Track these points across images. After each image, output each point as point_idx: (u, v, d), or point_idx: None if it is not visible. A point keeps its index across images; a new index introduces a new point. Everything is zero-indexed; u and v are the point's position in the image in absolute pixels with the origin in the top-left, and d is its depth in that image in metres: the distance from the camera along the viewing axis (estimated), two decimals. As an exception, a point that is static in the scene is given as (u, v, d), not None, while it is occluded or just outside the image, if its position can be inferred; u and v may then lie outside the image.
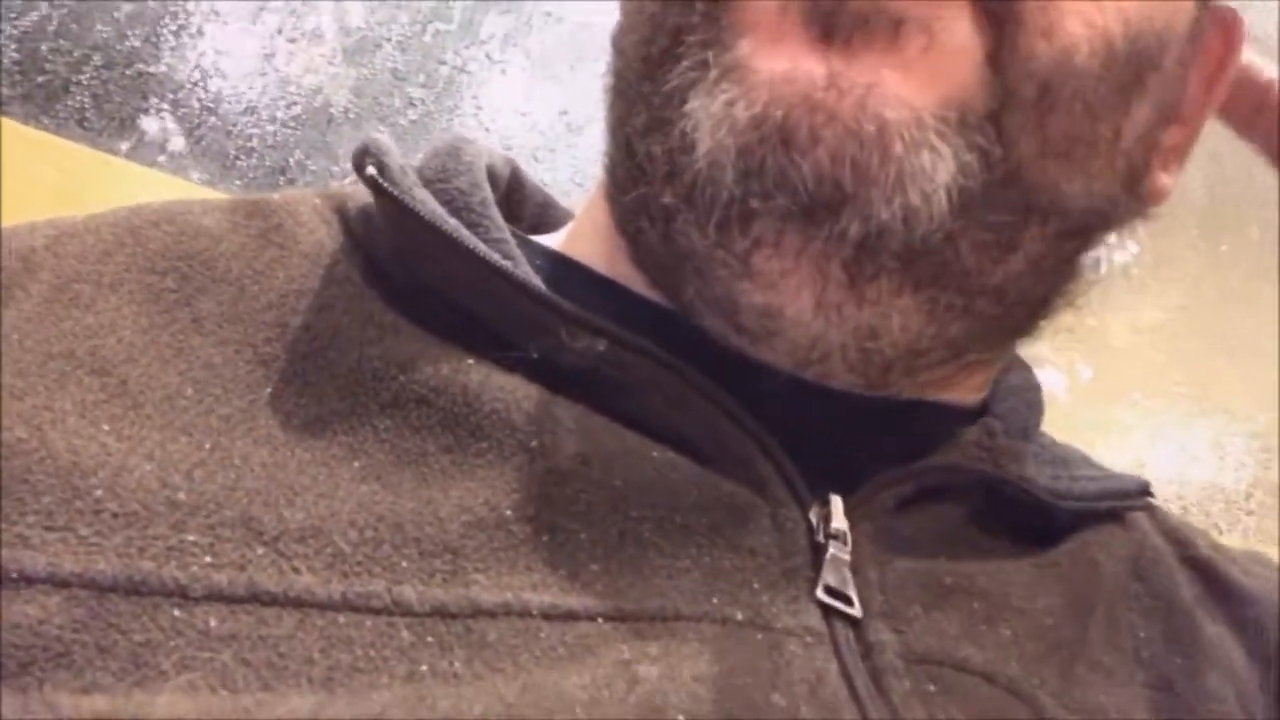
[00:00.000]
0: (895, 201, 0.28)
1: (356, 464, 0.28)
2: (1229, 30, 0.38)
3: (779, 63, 0.28)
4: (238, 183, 0.83)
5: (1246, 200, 1.11)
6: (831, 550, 0.30)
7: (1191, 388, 1.05)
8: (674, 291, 0.34)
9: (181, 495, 0.26)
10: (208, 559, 0.25)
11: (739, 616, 0.27)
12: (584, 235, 0.38)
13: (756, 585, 0.28)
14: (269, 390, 0.29)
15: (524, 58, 0.90)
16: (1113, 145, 0.32)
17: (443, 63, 0.88)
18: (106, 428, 0.27)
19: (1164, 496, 0.94)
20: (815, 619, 0.28)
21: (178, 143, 0.80)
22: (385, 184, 0.32)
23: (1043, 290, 0.34)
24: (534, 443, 0.29)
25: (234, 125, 0.82)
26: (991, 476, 0.33)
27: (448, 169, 0.36)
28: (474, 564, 0.27)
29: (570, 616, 0.26)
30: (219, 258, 0.33)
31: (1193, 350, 1.05)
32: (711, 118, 0.29)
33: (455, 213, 0.34)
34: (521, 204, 0.45)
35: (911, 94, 0.28)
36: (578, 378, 0.30)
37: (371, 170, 0.33)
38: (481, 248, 0.32)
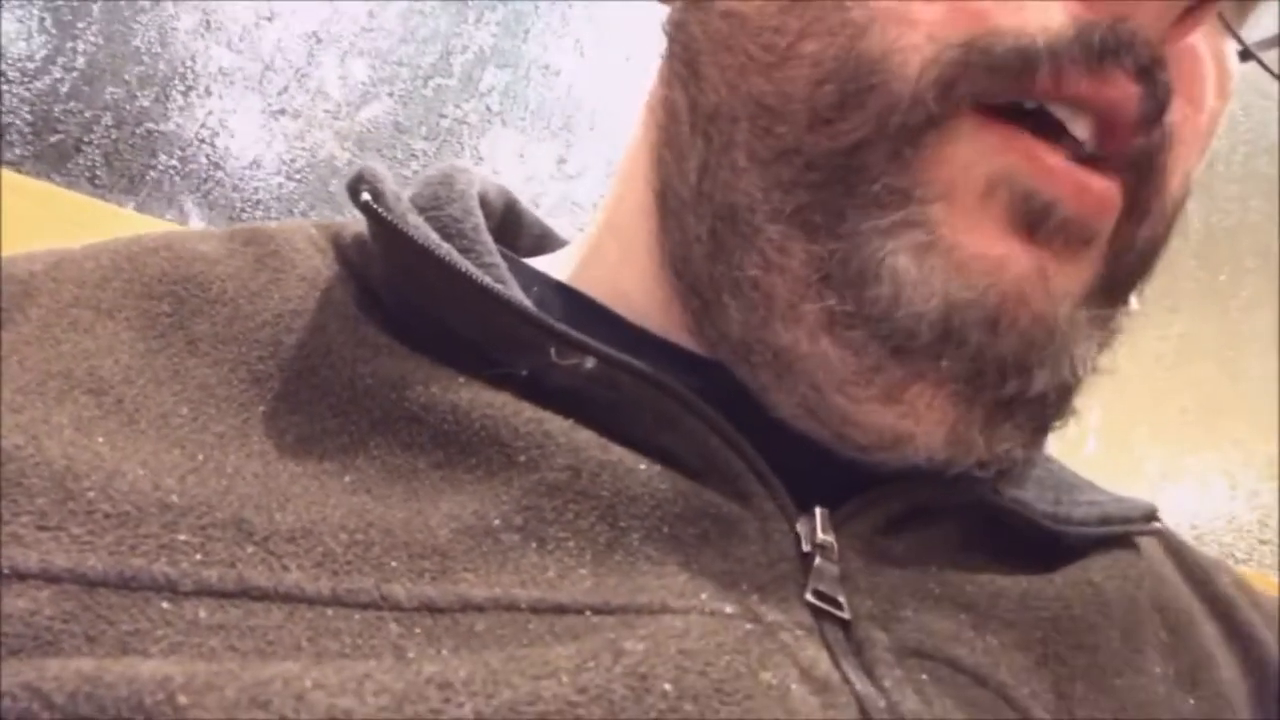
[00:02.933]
0: (1054, 379, 0.31)
1: (347, 478, 0.29)
2: None
3: (989, 247, 0.29)
4: (244, 236, 0.84)
5: (1242, 230, 1.11)
6: (819, 560, 0.30)
7: (1199, 416, 1.04)
8: (742, 366, 0.33)
9: (174, 498, 0.26)
10: (198, 557, 0.25)
11: (728, 610, 0.27)
12: (600, 265, 0.38)
13: (745, 586, 0.28)
14: (262, 409, 0.30)
15: (522, 110, 0.93)
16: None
17: (443, 115, 0.90)
18: (101, 439, 0.28)
19: (1178, 527, 0.93)
20: (805, 617, 0.29)
21: (185, 198, 0.82)
22: (379, 209, 0.33)
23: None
24: (523, 457, 0.29)
25: (240, 179, 0.84)
26: (982, 498, 0.33)
27: (440, 196, 0.37)
28: (463, 564, 0.27)
29: (559, 609, 0.26)
30: (215, 280, 0.33)
31: (1197, 379, 1.05)
32: (918, 281, 0.29)
33: (448, 238, 0.34)
34: (519, 233, 0.45)
35: (1077, 290, 0.31)
36: (567, 395, 0.31)
37: (366, 196, 0.33)
38: (472, 269, 0.32)
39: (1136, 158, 0.30)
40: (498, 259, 0.34)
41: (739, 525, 0.30)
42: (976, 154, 0.29)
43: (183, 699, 0.21)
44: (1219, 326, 1.06)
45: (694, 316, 0.34)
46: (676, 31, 0.36)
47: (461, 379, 0.31)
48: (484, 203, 0.40)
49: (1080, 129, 0.30)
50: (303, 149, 0.86)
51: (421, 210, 0.36)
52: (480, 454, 0.29)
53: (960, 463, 0.31)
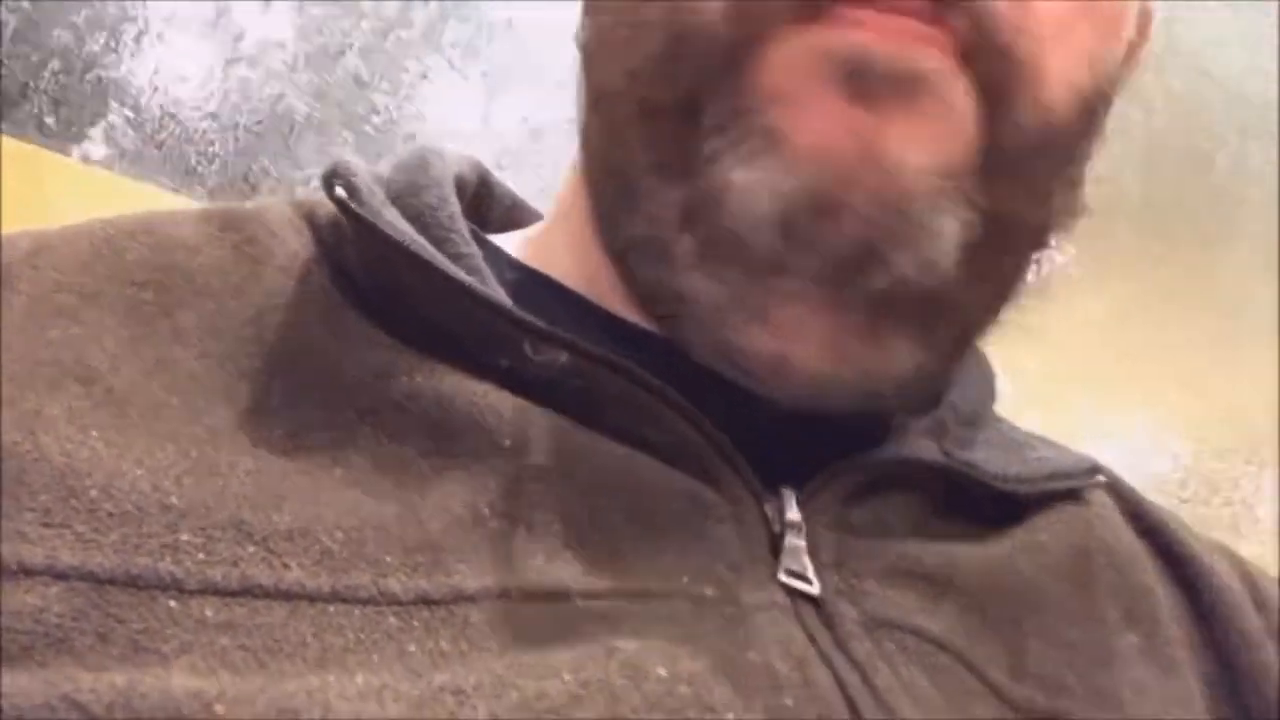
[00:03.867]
0: (916, 258, 0.31)
1: (338, 471, 0.29)
2: (1145, 21, 0.40)
3: (812, 133, 0.30)
4: (199, 189, 0.83)
5: (1178, 203, 1.16)
6: (789, 539, 0.31)
7: (1129, 382, 1.09)
8: (663, 322, 0.35)
9: (173, 499, 0.27)
10: (201, 556, 0.26)
11: (709, 593, 0.29)
12: (554, 247, 0.39)
13: (722, 568, 0.30)
14: (250, 403, 0.31)
15: (486, 65, 0.92)
16: (1078, 172, 0.35)
17: (405, 70, 0.89)
18: (95, 434, 0.28)
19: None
20: (780, 596, 0.30)
21: (138, 149, 0.80)
22: (354, 205, 0.33)
23: (1009, 299, 0.37)
24: (507, 443, 0.30)
25: (196, 131, 0.82)
26: (937, 465, 0.35)
27: (416, 183, 0.37)
28: (455, 556, 0.28)
29: (548, 597, 0.28)
30: (197, 271, 0.34)
31: (1129, 345, 1.10)
32: (751, 186, 0.30)
33: (423, 229, 0.35)
34: (490, 208, 0.46)
35: (927, 159, 0.30)
36: (544, 384, 0.32)
37: (340, 192, 0.34)
38: (446, 265, 0.33)
39: (975, 18, 0.30)
40: (473, 248, 0.35)
41: (712, 508, 0.31)
42: (798, 48, 0.30)
43: (219, 709, 0.22)
44: (1153, 295, 1.11)
45: (625, 285, 0.36)
46: (580, 33, 0.38)
47: (443, 368, 0.32)
48: (459, 183, 0.41)
49: None
50: (260, 101, 0.84)
51: (396, 198, 0.36)
52: (465, 441, 0.30)
53: (849, 378, 0.33)
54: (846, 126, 0.30)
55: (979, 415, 0.40)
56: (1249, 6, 1.15)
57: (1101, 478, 0.41)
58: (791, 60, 0.30)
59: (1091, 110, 0.34)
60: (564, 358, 0.32)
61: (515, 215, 0.46)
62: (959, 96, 0.31)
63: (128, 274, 0.33)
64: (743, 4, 0.31)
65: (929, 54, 0.30)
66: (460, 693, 0.24)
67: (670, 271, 0.33)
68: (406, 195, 0.36)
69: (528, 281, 0.38)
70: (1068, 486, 0.39)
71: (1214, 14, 1.09)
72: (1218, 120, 1.18)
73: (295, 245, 0.36)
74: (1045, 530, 0.37)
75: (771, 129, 0.30)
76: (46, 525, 0.26)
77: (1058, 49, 0.32)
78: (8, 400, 0.28)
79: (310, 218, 0.38)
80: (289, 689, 0.23)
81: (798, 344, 0.32)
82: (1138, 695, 0.34)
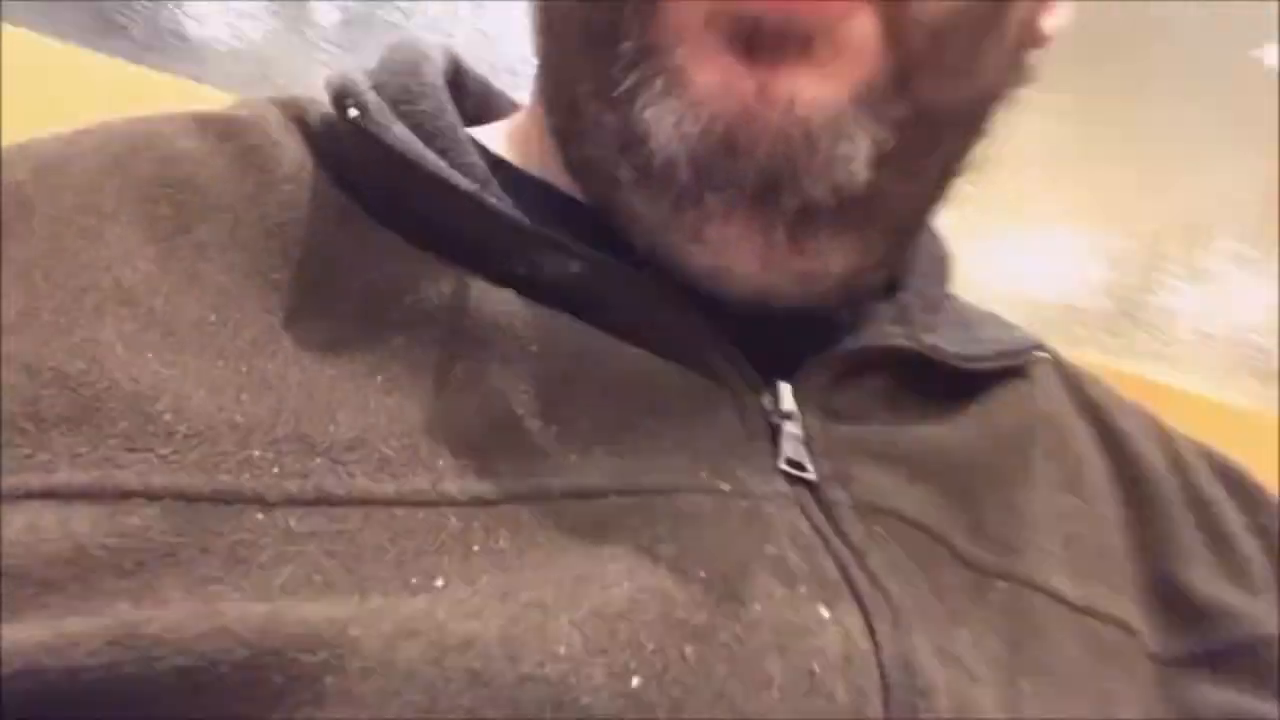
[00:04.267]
0: (823, 183, 0.32)
1: (379, 378, 0.31)
2: None
3: (713, 77, 0.31)
4: (124, 43, 0.75)
5: (1125, 26, 1.16)
6: (786, 428, 0.35)
7: (1063, 208, 1.14)
8: (623, 230, 0.36)
9: (238, 417, 0.28)
10: (275, 470, 0.28)
11: (725, 487, 0.32)
12: (537, 146, 0.40)
13: (732, 460, 0.33)
14: (284, 315, 0.31)
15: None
16: (1000, 40, 0.35)
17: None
18: (151, 356, 0.29)
19: (1033, 314, 1.04)
20: (782, 485, 0.34)
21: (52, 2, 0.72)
22: (370, 127, 0.34)
23: (957, 171, 0.39)
24: (534, 346, 0.33)
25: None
26: (906, 350, 0.38)
27: (410, 90, 0.37)
28: (499, 458, 0.30)
29: (586, 495, 0.30)
30: (207, 184, 0.34)
31: (1067, 172, 1.13)
32: (661, 125, 0.32)
33: (427, 138, 0.35)
34: (464, 98, 0.45)
35: (828, 94, 0.32)
36: (558, 291, 0.34)
37: (354, 112, 0.34)
38: (460, 180, 0.34)
39: None
40: (474, 155, 0.36)
41: (717, 402, 0.34)
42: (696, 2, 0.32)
43: (354, 631, 0.25)
44: (1096, 121, 1.13)
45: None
46: None
47: (465, 276, 0.33)
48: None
49: None
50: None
51: (394, 104, 0.36)
52: (495, 347, 0.32)
53: (787, 284, 0.35)
54: (742, 76, 0.31)
55: (937, 298, 0.43)
56: None
57: (1046, 355, 0.45)
58: (691, 8, 0.31)
59: None
60: (575, 266, 0.34)
61: (489, 104, 0.46)
62: (857, 31, 0.31)
63: (139, 190, 0.33)
64: None
65: (820, 15, 0.31)
66: (544, 605, 0.27)
67: (616, 192, 0.35)
68: (404, 102, 0.37)
69: (520, 182, 0.38)
70: (1017, 363, 0.43)
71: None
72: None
73: (296, 153, 0.36)
74: (997, 404, 0.41)
75: (676, 69, 0.32)
76: (131, 450, 0.27)
77: None
78: (63, 328, 0.28)
79: (300, 121, 0.38)
80: (407, 610, 0.26)
81: (734, 258, 0.34)
82: (1070, 548, 0.39)
